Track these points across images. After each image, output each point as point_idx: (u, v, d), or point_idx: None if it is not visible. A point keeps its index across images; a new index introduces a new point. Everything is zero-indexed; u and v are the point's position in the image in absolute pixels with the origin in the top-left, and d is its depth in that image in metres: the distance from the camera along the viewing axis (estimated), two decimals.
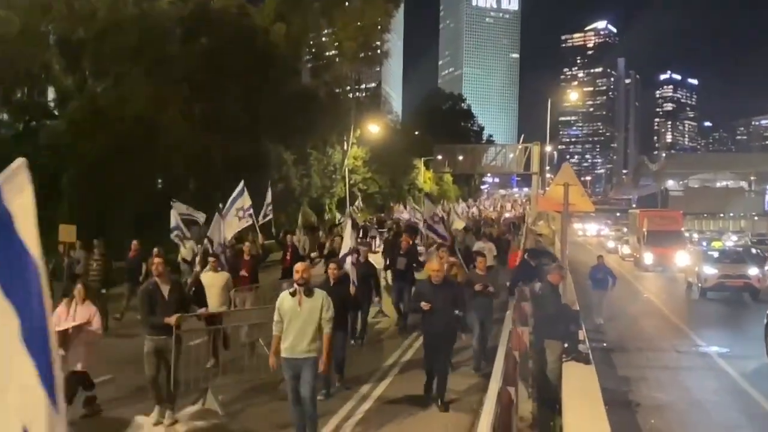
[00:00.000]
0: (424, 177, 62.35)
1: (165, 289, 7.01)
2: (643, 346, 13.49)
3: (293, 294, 6.25)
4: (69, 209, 18.13)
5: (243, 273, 11.49)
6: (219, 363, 8.78)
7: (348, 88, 47.70)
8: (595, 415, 5.53)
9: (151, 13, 25.82)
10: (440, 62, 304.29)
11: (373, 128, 48.12)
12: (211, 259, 10.03)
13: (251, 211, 13.81)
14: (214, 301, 9.10)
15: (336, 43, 45.31)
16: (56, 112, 26.03)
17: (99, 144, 22.18)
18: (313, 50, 46.42)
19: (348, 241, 10.83)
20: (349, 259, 10.42)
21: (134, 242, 13.74)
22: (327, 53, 47.84)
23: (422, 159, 61.19)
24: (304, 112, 35.34)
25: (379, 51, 50.72)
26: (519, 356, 8.12)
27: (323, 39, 47.07)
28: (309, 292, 6.24)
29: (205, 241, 12.66)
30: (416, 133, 63.29)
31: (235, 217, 13.21)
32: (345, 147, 44.36)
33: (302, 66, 45.14)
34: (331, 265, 8.68)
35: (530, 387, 8.34)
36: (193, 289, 9.38)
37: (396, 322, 12.64)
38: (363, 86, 65.77)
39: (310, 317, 6.14)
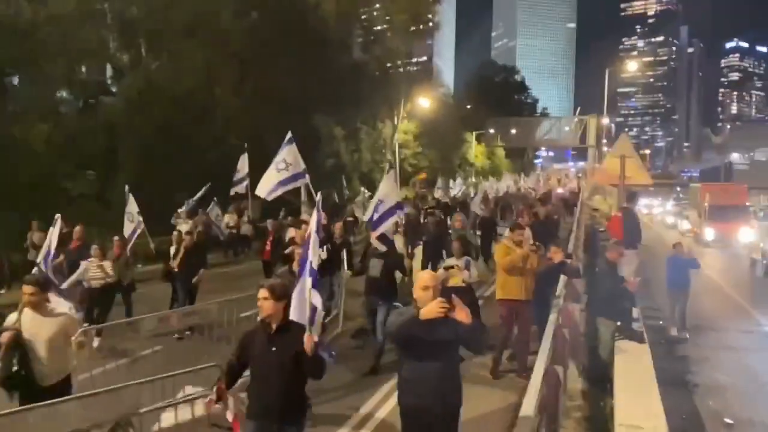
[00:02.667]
0: (475, 151, 61.49)
1: None
2: (702, 325, 12.98)
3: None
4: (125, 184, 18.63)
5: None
6: None
7: (399, 62, 47.16)
8: (648, 395, 5.32)
9: None
10: (493, 34, 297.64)
11: (424, 102, 47.55)
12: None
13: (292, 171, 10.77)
14: None
15: (387, 17, 44.83)
16: (113, 89, 26.67)
17: (154, 120, 22.63)
18: (364, 24, 46.03)
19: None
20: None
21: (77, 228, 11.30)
22: (377, 27, 47.39)
23: (474, 133, 60.31)
24: (354, 87, 35.19)
25: (430, 23, 49.98)
26: (569, 334, 7.92)
27: (374, 13, 46.61)
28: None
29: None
30: (468, 106, 62.29)
31: (273, 170, 10.73)
32: (395, 121, 44.06)
33: (353, 41, 44.85)
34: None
35: (581, 365, 8.13)
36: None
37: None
38: (414, 60, 65.02)
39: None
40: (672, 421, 6.44)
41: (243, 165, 18.10)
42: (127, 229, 12.77)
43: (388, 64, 45.87)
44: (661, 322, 12.56)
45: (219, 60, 25.52)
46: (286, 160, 10.59)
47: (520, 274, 7.63)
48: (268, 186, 10.63)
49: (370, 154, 40.03)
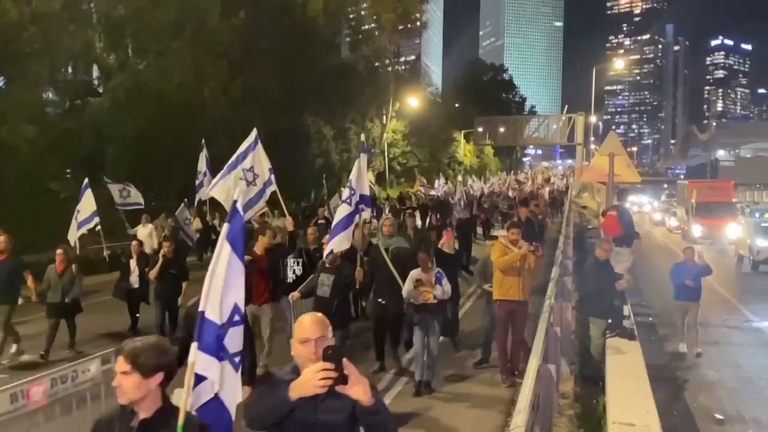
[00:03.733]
0: (464, 150, 61.65)
1: None
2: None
3: None
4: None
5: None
6: None
7: (387, 61, 47.19)
8: (640, 392, 5.35)
9: None
10: (481, 32, 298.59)
11: (413, 101, 47.64)
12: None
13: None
14: None
15: (374, 16, 44.80)
16: (100, 90, 26.48)
17: (141, 120, 22.48)
18: (352, 23, 46.03)
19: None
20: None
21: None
22: (365, 26, 47.39)
23: (462, 132, 60.46)
24: (343, 86, 35.15)
25: (417, 23, 49.97)
26: (560, 332, 7.95)
27: (362, 12, 46.59)
28: None
29: None
30: (456, 105, 62.41)
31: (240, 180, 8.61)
32: (384, 121, 44.07)
33: (341, 40, 44.84)
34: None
35: (573, 364, 8.17)
36: None
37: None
38: (402, 59, 65.02)
39: None
40: (664, 417, 6.50)
41: (202, 165, 15.31)
42: (72, 235, 11.91)
43: (377, 63, 45.88)
44: (650, 319, 12.64)
45: (207, 60, 25.38)
46: (254, 170, 8.63)
47: (517, 274, 7.45)
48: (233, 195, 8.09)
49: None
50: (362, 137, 11.94)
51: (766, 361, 9.83)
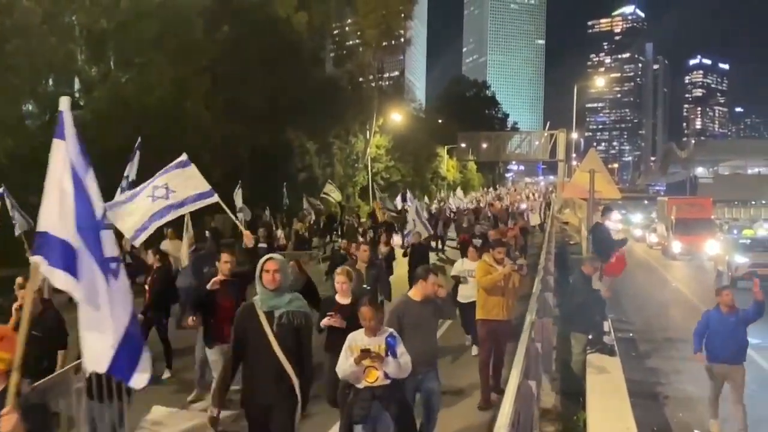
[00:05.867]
0: (447, 165, 61.99)
1: None
2: (672, 336, 13.14)
3: None
4: None
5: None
6: None
7: (371, 77, 47.51)
8: (620, 408, 5.35)
9: (173, 2, 25.85)
10: (464, 49, 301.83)
11: (396, 117, 47.88)
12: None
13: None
14: None
15: (359, 32, 45.17)
16: (81, 103, 26.27)
17: (123, 133, 22.31)
18: (336, 39, 46.35)
19: None
20: None
21: None
22: (350, 42, 47.74)
23: (446, 147, 60.83)
24: (327, 101, 35.28)
25: (402, 39, 50.47)
26: (542, 348, 7.95)
27: (346, 28, 46.96)
28: None
29: None
30: (440, 121, 62.89)
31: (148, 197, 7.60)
32: (367, 136, 44.22)
33: (325, 55, 45.06)
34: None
35: (554, 380, 8.17)
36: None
37: None
38: (386, 75, 65.54)
39: None
40: None
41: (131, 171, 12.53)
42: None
43: (360, 79, 46.15)
44: (631, 335, 12.69)
45: (190, 72, 25.33)
46: (169, 186, 7.68)
47: (501, 293, 7.30)
48: (135, 221, 7.42)
49: (342, 169, 40.07)
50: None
51: (746, 378, 9.83)
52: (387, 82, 64.36)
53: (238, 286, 6.63)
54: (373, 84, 47.34)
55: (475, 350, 8.93)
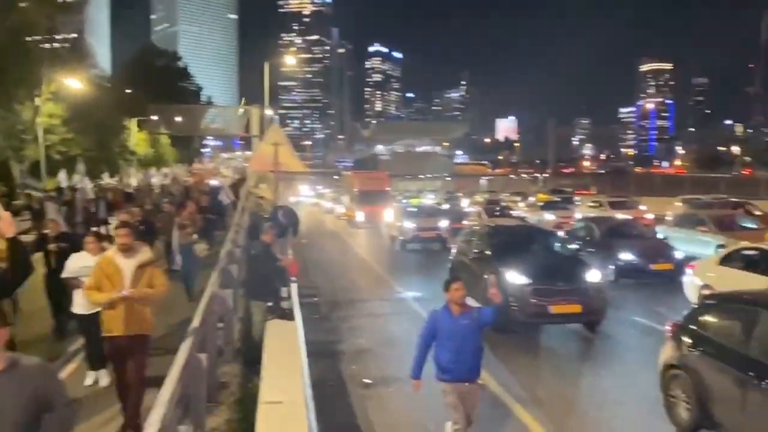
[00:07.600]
0: (137, 138, 57.91)
1: None
2: (353, 297, 14.37)
3: None
4: None
5: None
6: None
7: (40, 37, 41.50)
8: (292, 369, 5.59)
9: None
10: (153, 17, 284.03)
11: (74, 83, 42.78)
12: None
13: None
14: None
15: None
16: None
17: None
18: None
19: None
20: None
21: None
22: None
23: (135, 119, 56.73)
24: None
25: None
26: (225, 319, 7.94)
27: None
28: None
29: None
30: (127, 90, 58.19)
31: None
32: (36, 103, 38.73)
33: None
34: None
35: (236, 349, 8.24)
36: None
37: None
38: (60, 36, 58.06)
39: None
40: (319, 389, 6.95)
41: None
42: None
43: (27, 38, 40.03)
44: (315, 299, 13.50)
45: None
46: None
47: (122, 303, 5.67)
48: None
49: (5, 140, 34.56)
50: None
51: (405, 327, 11.19)
52: (62, 44, 57.02)
53: None
54: (45, 45, 41.45)
55: None
